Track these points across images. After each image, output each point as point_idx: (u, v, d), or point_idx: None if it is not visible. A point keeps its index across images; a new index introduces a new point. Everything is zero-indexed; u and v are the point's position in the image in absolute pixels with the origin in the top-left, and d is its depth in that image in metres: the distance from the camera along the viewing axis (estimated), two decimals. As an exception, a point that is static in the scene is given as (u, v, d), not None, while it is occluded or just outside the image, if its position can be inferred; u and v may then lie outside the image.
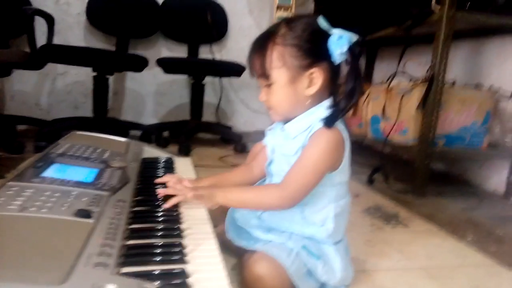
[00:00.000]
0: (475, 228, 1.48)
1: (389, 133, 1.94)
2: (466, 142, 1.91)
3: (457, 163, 2.27)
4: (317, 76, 0.85)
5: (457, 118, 1.89)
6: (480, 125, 1.90)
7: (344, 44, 0.80)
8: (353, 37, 0.81)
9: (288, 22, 0.85)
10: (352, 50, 0.82)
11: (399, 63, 2.07)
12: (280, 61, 0.84)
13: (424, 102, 1.77)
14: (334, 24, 0.83)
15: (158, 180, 0.99)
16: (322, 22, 0.83)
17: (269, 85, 0.87)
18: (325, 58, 0.83)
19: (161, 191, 0.91)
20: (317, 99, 0.88)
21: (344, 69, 0.86)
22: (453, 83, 2.05)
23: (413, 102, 1.84)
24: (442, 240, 1.35)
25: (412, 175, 1.87)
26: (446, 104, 1.85)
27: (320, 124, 0.85)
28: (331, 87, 0.89)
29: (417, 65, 2.22)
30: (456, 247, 1.30)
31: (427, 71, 1.80)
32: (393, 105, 1.95)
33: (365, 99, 2.17)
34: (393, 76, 2.01)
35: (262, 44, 0.86)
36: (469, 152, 1.94)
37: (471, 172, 2.14)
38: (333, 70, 0.86)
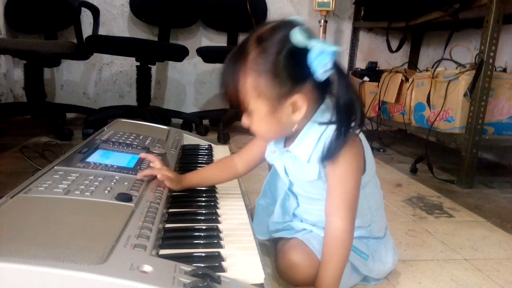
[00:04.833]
0: (525, 220, 1.41)
1: (434, 120, 1.87)
2: (517, 131, 1.81)
3: (507, 153, 2.16)
4: (300, 103, 0.73)
5: (507, 105, 1.80)
6: (533, 112, 1.80)
7: (327, 60, 0.68)
8: (335, 49, 0.69)
9: (259, 40, 0.71)
10: (337, 64, 0.70)
11: (445, 48, 1.99)
12: (256, 91, 0.72)
13: (472, 89, 1.69)
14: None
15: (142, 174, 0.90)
16: (297, 37, 0.69)
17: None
18: (307, 79, 0.72)
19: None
20: (308, 114, 0.76)
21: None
22: (504, 69, 1.94)
23: (460, 89, 1.76)
24: (489, 232, 1.30)
25: (458, 165, 1.80)
26: (495, 91, 1.76)
27: (330, 133, 0.75)
28: (321, 99, 0.78)
29: (465, 51, 2.12)
30: (503, 239, 1.24)
31: (475, 56, 1.71)
32: (438, 92, 1.87)
33: (409, 86, 2.10)
34: (438, 62, 1.93)
35: (233, 70, 0.73)
36: (520, 141, 1.84)
37: (522, 162, 2.03)
38: (320, 87, 0.74)
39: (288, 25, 0.71)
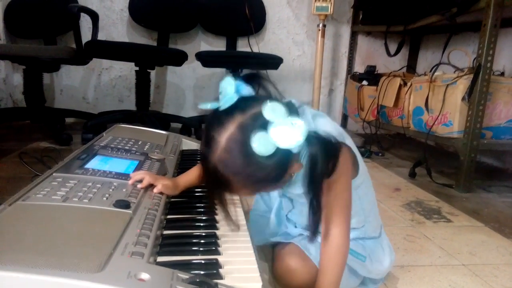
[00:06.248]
0: (523, 224, 1.41)
1: (433, 125, 1.88)
2: (515, 135, 1.82)
3: (505, 157, 2.16)
4: (296, 167, 0.71)
5: (505, 109, 1.80)
6: (531, 116, 1.80)
7: (296, 140, 0.63)
8: (301, 127, 0.64)
9: (234, 147, 0.65)
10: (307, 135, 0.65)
11: (443, 52, 1.99)
12: (257, 186, 0.71)
13: (470, 93, 1.70)
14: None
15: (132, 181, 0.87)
16: (260, 150, 0.63)
17: None
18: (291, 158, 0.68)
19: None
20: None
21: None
22: (502, 73, 1.95)
23: (458, 93, 1.76)
24: (487, 237, 1.30)
25: (457, 169, 1.80)
26: (493, 95, 1.77)
27: None
28: None
29: (463, 54, 2.12)
30: (501, 245, 1.25)
31: (473, 60, 1.72)
32: (436, 96, 1.88)
33: (407, 90, 2.11)
34: (436, 66, 1.93)
35: (225, 186, 0.69)
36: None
37: (521, 166, 2.04)
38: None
39: (255, 122, 0.65)
